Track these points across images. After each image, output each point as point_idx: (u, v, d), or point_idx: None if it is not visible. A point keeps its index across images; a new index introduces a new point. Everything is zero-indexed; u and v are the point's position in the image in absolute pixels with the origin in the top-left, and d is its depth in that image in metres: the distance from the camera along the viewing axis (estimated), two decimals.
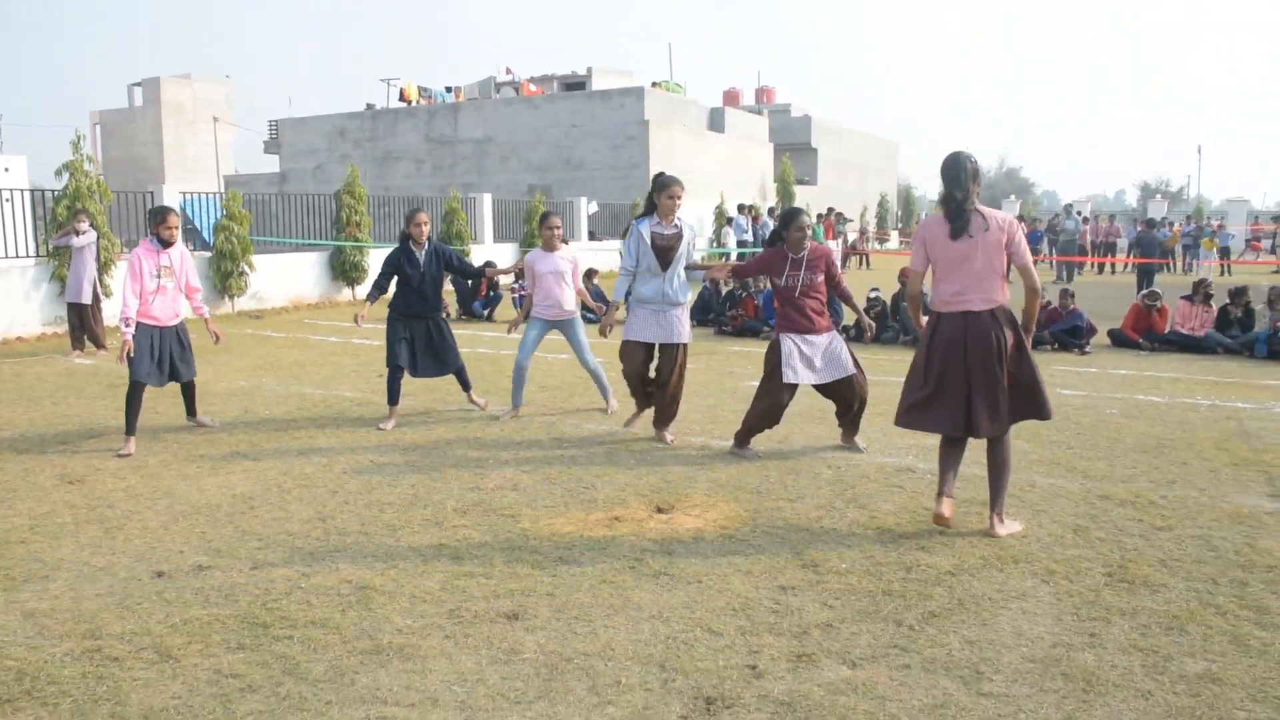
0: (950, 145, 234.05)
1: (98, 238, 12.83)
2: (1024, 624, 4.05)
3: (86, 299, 12.26)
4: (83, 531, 5.32)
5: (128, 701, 3.41)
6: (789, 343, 6.86)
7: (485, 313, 16.91)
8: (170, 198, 17.31)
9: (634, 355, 7.39)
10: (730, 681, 3.53)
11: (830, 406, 7.38)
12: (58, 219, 14.51)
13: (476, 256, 21.34)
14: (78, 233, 12.33)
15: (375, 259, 19.11)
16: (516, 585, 4.48)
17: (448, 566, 4.73)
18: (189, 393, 7.90)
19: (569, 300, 8.35)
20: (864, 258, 32.30)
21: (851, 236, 33.26)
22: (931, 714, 3.32)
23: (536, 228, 24.42)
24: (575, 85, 39.99)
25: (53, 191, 15.22)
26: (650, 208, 7.33)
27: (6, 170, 25.18)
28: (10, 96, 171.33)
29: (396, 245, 8.10)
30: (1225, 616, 4.14)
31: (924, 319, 5.59)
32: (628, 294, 7.47)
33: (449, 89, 39.62)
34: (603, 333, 7.63)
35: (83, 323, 12.29)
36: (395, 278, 8.06)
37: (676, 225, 7.29)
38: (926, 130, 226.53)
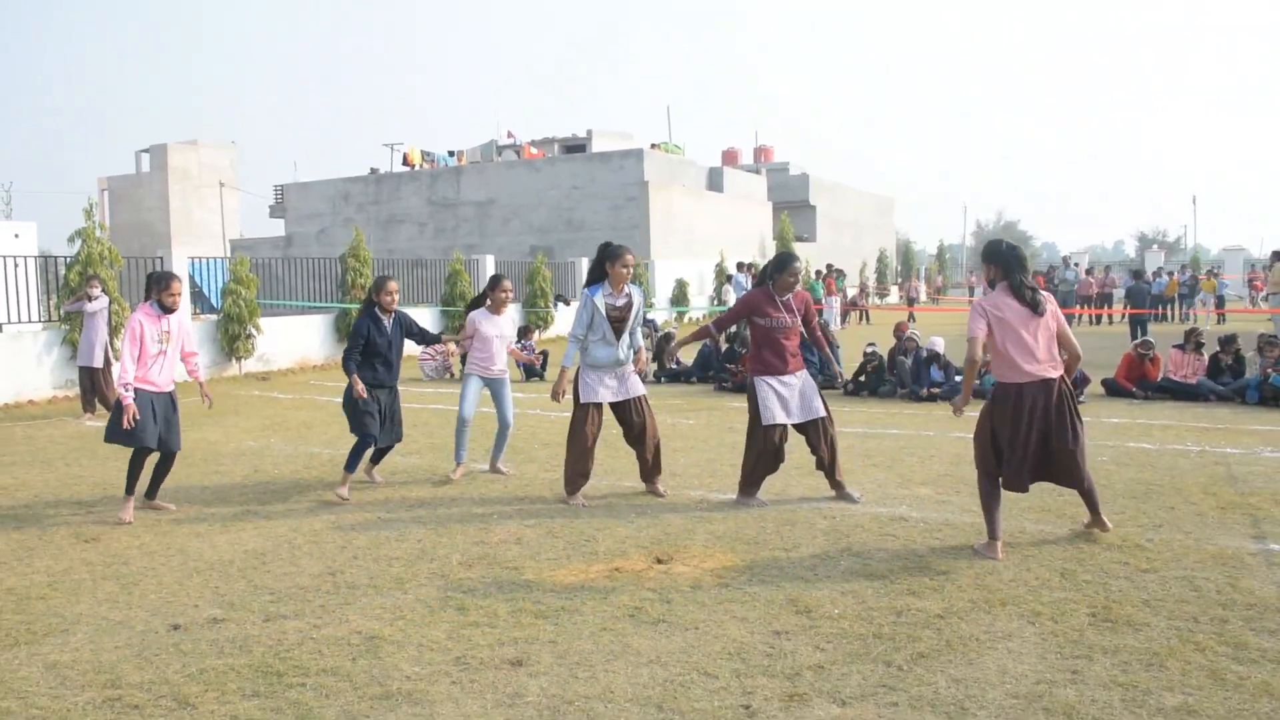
0: (947, 199, 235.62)
1: (109, 302, 13.10)
2: (1009, 663, 4.21)
3: (98, 363, 12.49)
4: (100, 588, 5.49)
5: None
6: (764, 386, 7.07)
7: None
8: (179, 262, 17.64)
9: (593, 419, 7.40)
10: None
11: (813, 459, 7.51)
12: (70, 285, 14.84)
13: None
14: (90, 298, 12.60)
15: None
16: (520, 634, 4.64)
17: (454, 617, 4.90)
18: (165, 467, 7.53)
19: (504, 360, 8.57)
20: (864, 313, 32.61)
21: (851, 292, 33.56)
22: None
23: (539, 289, 24.84)
24: (576, 148, 40.64)
25: (64, 258, 15.57)
26: (600, 276, 7.37)
27: (17, 237, 25.61)
28: (20, 164, 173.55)
29: (363, 314, 8.02)
30: (1204, 653, 4.29)
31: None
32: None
33: (451, 153, 40.28)
34: (555, 397, 7.44)
35: (94, 386, 12.53)
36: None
37: (627, 294, 7.39)
38: (922, 185, 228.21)
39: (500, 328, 8.53)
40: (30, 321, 15.58)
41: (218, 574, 5.72)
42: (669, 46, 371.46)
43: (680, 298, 31.41)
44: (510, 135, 41.91)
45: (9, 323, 15.32)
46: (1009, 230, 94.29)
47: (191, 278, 18.14)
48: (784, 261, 7.27)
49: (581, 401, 7.39)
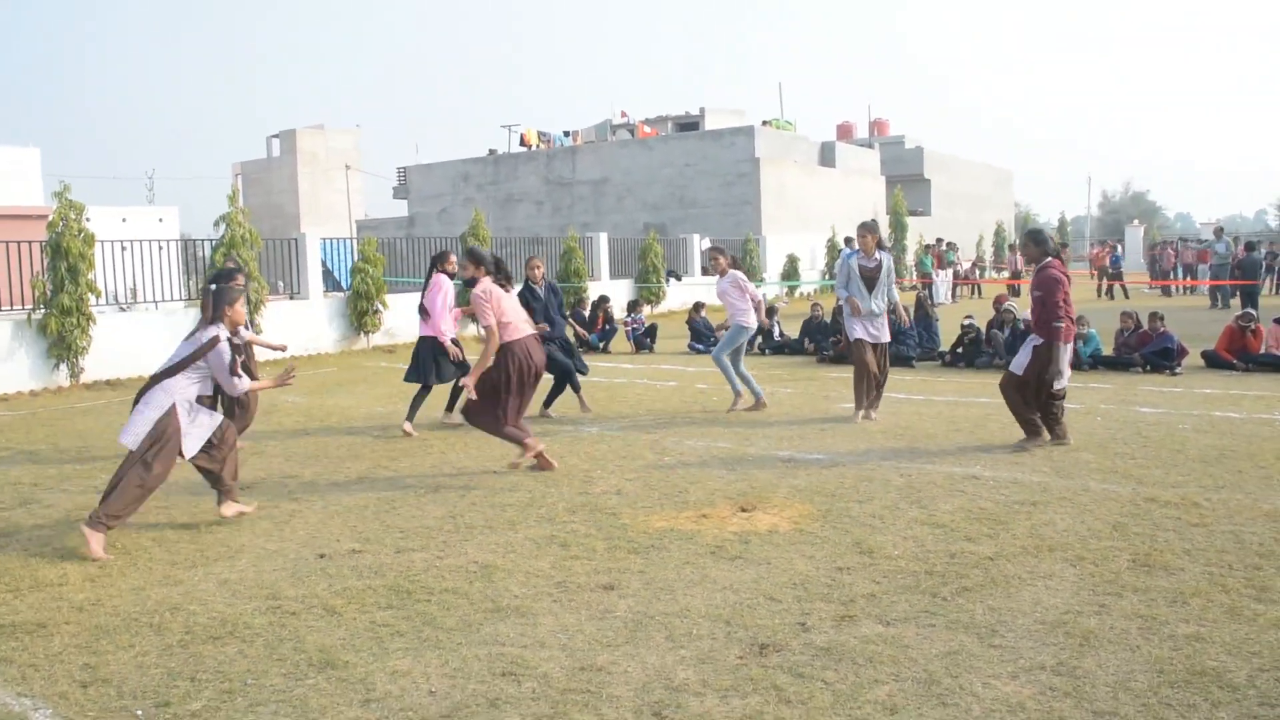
0: (1070, 170, 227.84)
1: (246, 281, 14.06)
2: (1044, 596, 4.73)
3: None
4: (257, 525, 6.40)
5: (305, 641, 4.40)
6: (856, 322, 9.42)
7: (601, 345, 17.93)
8: (312, 243, 18.84)
9: (864, 348, 9.41)
10: (782, 634, 4.33)
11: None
12: (215, 266, 16.08)
13: (593, 291, 22.44)
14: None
15: None
16: (614, 565, 5.35)
17: (557, 551, 5.63)
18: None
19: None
20: (975, 288, 32.43)
21: (965, 266, 33.39)
22: (946, 659, 4.04)
23: (651, 264, 25.53)
24: (688, 125, 41.16)
25: (204, 240, 16.85)
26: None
27: (161, 221, 27.44)
28: (160, 152, 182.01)
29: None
30: (1229, 594, 4.73)
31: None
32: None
33: (567, 133, 41.22)
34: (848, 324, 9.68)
35: None
36: None
37: (877, 258, 9.48)
38: (1045, 156, 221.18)
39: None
40: (174, 300, 16.93)
41: (355, 515, 6.58)
42: (782, 22, 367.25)
43: (791, 273, 31.77)
44: (624, 115, 42.67)
45: (154, 301, 16.69)
46: (1138, 201, 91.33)
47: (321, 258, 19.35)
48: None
49: (853, 339, 9.49)
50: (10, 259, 14.68)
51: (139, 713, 3.80)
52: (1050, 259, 7.91)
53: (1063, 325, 7.74)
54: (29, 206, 24.91)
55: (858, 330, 9.47)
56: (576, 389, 10.42)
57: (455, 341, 9.89)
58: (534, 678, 3.96)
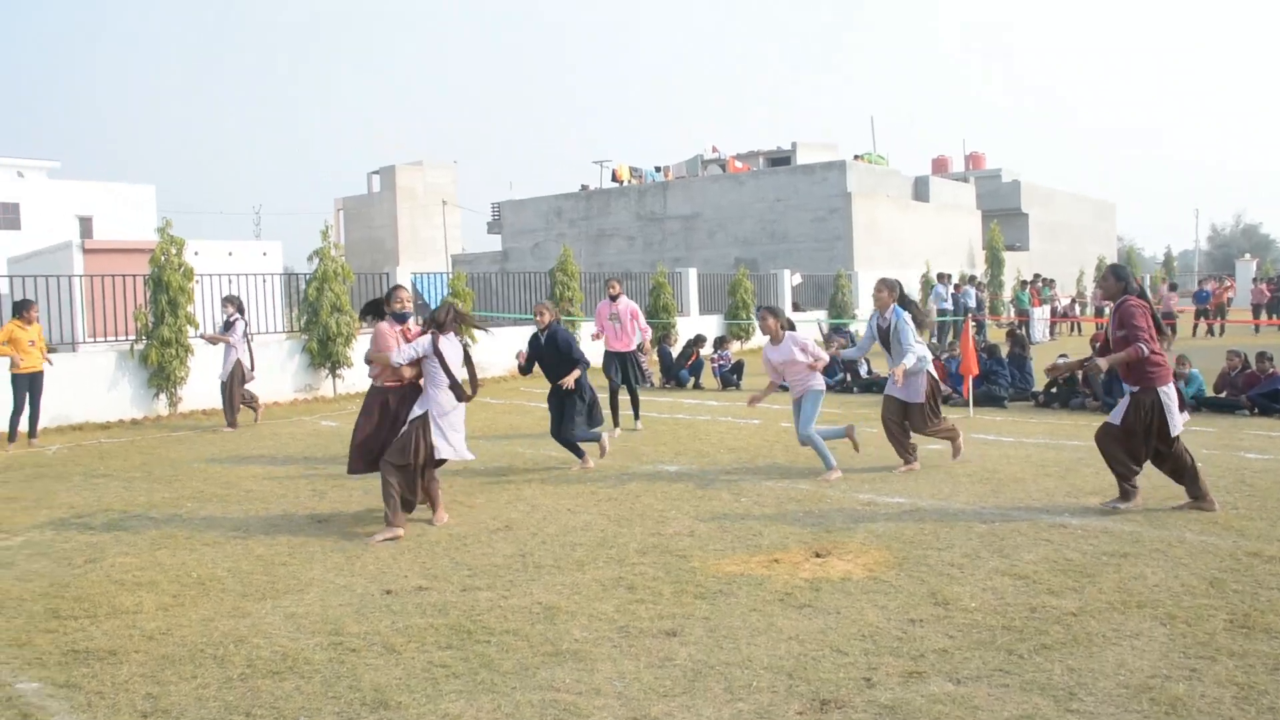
0: (1177, 204, 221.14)
1: (245, 326, 13.75)
2: (1129, 658, 4.47)
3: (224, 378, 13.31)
4: (329, 558, 6.44)
5: (361, 680, 4.38)
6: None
7: (690, 380, 17.84)
8: (403, 277, 19.16)
9: (885, 406, 9.13)
10: (845, 689, 4.16)
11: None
12: (308, 299, 16.46)
13: (683, 328, 22.38)
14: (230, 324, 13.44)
15: (585, 331, 20.43)
16: (679, 610, 5.23)
17: (623, 594, 5.53)
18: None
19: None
20: (1075, 325, 31.52)
21: (1062, 303, 32.52)
22: None
23: (740, 300, 25.41)
24: (780, 160, 41.02)
25: (303, 275, 17.28)
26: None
27: (265, 255, 28.24)
28: (268, 187, 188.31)
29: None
30: None
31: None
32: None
33: (658, 168, 41.42)
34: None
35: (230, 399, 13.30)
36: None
37: (887, 317, 8.93)
38: (1151, 188, 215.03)
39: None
40: (275, 331, 17.36)
41: (425, 551, 6.58)
42: (875, 56, 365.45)
43: None
44: (715, 149, 42.70)
45: (258, 333, 17.12)
46: (1249, 234, 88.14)
47: (416, 290, 19.67)
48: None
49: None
50: (117, 291, 15.23)
51: None
52: (1129, 296, 7.43)
53: (1148, 353, 7.07)
54: (138, 241, 25.84)
55: (888, 386, 9.15)
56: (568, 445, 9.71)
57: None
58: None
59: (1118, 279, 7.53)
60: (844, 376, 16.77)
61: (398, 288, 7.74)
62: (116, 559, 6.63)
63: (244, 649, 4.82)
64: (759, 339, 26.17)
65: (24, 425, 12.19)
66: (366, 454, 7.36)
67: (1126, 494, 7.33)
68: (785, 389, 9.34)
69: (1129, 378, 7.30)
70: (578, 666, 4.48)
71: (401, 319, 7.54)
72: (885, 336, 8.96)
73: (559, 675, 4.38)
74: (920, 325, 8.98)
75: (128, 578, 6.15)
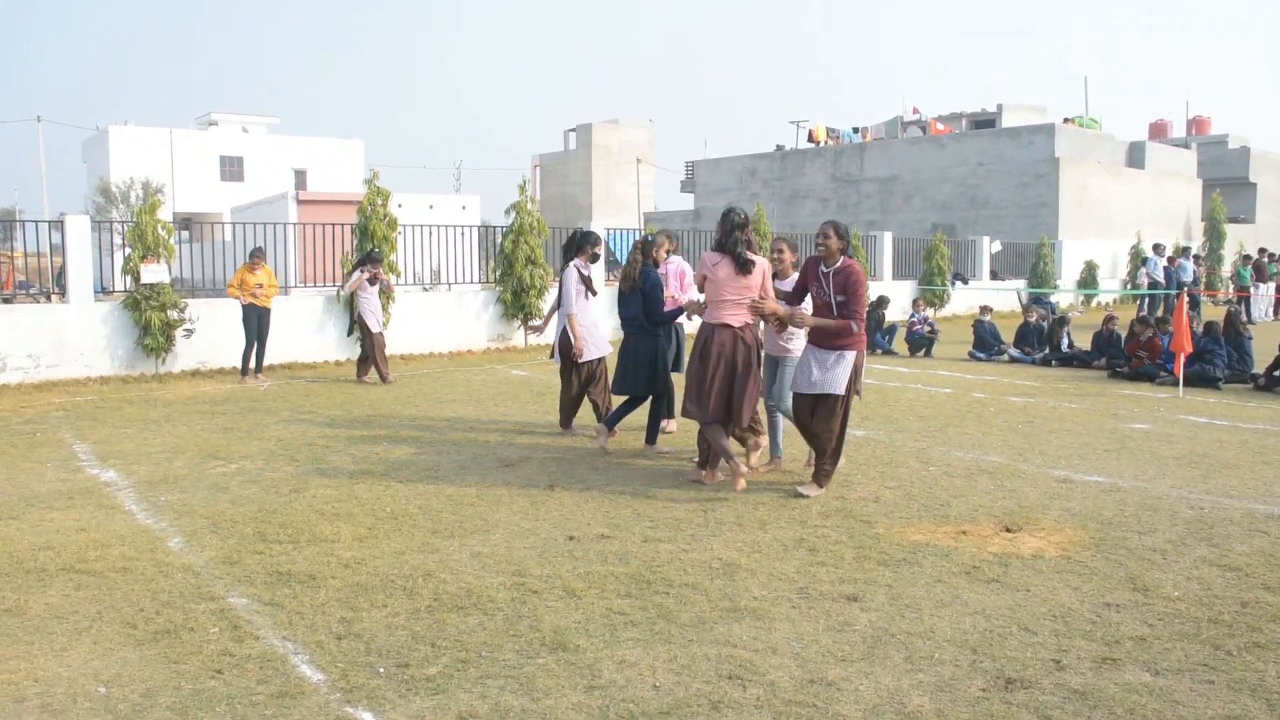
0: None
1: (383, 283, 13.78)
2: None
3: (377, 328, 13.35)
4: (515, 502, 6.63)
5: (542, 621, 4.49)
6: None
7: (883, 345, 17.44)
8: (597, 233, 19.41)
9: None
10: (1032, 669, 3.99)
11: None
12: (504, 252, 16.90)
13: (873, 292, 21.88)
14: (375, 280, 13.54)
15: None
16: (860, 575, 5.13)
17: (804, 556, 5.47)
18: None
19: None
20: None
21: None
22: None
23: (936, 266, 24.67)
24: (985, 123, 39.41)
25: (500, 227, 17.74)
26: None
27: (464, 209, 29.12)
28: (469, 144, 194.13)
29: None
30: None
31: None
32: None
33: (856, 129, 40.47)
34: None
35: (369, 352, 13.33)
36: None
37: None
38: None
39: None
40: (471, 282, 17.92)
41: (609, 501, 6.68)
42: (1090, 12, 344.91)
43: (1089, 280, 29.80)
44: (915, 111, 41.37)
45: (455, 283, 17.74)
46: None
47: (608, 245, 19.92)
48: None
49: None
50: (326, 240, 16.01)
51: (381, 670, 3.98)
52: None
53: None
54: (347, 193, 27.10)
55: None
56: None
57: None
58: (761, 684, 3.84)
59: None
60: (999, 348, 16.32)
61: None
62: (318, 490, 7.00)
63: (431, 583, 5.02)
64: (953, 306, 25.36)
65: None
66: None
67: None
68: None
69: None
70: (755, 624, 4.46)
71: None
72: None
73: (736, 631, 4.37)
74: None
75: (328, 508, 6.49)
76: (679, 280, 9.45)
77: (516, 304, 16.82)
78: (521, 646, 4.21)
